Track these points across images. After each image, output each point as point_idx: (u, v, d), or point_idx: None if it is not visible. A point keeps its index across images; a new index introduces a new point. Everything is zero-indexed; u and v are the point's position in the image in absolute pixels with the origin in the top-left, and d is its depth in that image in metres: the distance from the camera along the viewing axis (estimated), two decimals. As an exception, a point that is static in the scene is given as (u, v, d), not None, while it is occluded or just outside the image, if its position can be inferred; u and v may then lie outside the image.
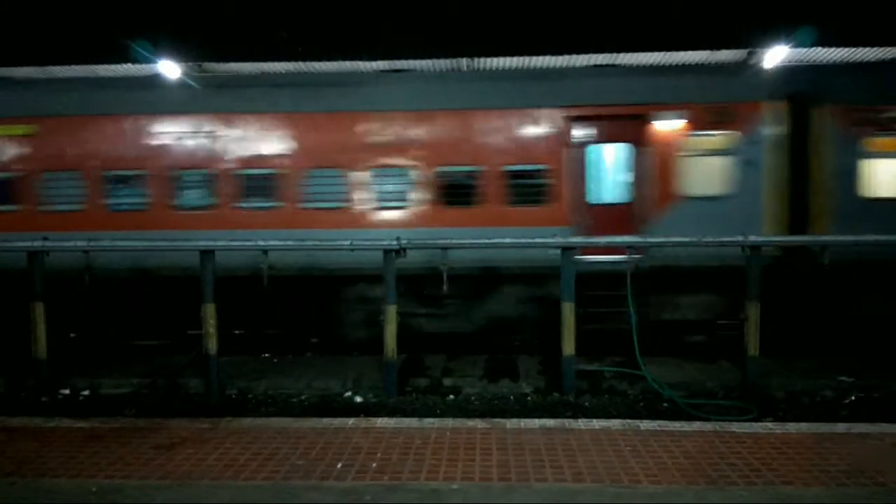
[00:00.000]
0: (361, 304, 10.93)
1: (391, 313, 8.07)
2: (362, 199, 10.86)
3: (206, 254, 8.20)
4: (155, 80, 11.11)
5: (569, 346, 8.00)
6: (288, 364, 10.03)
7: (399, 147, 10.81)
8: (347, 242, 8.39)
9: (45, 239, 8.49)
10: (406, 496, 5.06)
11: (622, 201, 10.72)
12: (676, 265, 10.04)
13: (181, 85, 11.06)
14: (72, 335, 10.89)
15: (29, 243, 8.46)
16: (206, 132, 11.01)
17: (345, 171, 10.83)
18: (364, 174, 10.83)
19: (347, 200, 10.86)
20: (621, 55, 11.02)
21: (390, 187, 10.84)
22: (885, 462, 5.58)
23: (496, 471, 5.48)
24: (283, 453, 5.89)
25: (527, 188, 10.67)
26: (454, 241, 8.43)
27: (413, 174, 10.79)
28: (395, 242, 8.03)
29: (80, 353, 10.30)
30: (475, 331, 10.87)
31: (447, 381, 8.91)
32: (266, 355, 10.52)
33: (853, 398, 7.97)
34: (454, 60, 11.26)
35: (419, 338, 10.55)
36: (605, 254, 10.09)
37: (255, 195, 10.92)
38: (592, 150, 10.79)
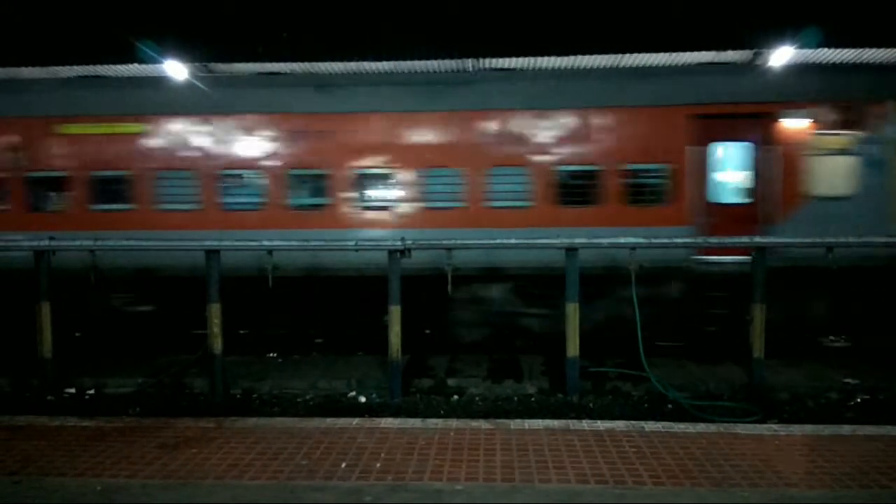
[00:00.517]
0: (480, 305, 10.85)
1: (395, 314, 8.07)
2: (485, 198, 10.71)
3: (212, 254, 8.21)
4: (273, 81, 11.22)
5: (572, 348, 7.99)
6: (292, 363, 10.07)
7: (520, 146, 10.70)
8: (352, 243, 8.39)
9: (52, 239, 8.52)
10: (410, 496, 5.06)
11: (745, 201, 10.57)
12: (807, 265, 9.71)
13: (300, 84, 11.11)
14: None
15: (35, 242, 8.49)
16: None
17: (464, 169, 10.75)
18: (485, 173, 10.74)
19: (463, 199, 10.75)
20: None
21: (512, 187, 10.69)
22: (890, 464, 5.56)
23: (500, 471, 5.48)
24: (288, 453, 5.90)
25: (647, 187, 10.56)
26: (459, 242, 8.42)
27: (534, 174, 10.65)
28: (399, 243, 8.03)
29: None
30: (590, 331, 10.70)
31: (451, 382, 8.92)
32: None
33: (858, 400, 7.95)
34: (460, 61, 11.26)
35: (530, 337, 10.56)
36: (729, 254, 9.98)
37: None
38: (715, 148, 10.63)
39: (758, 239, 7.94)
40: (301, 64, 11.29)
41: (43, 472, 5.57)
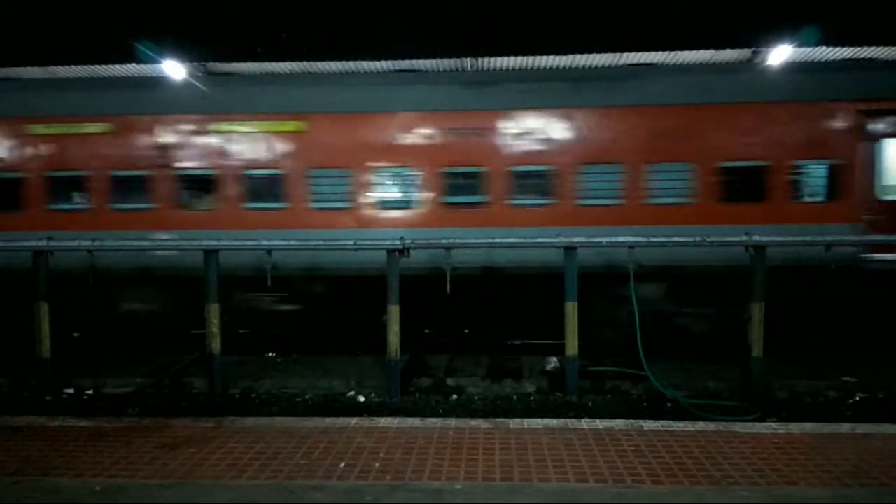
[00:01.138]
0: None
1: (394, 314, 8.06)
2: (646, 195, 10.59)
3: (210, 254, 8.20)
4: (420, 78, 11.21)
5: (571, 346, 7.98)
6: (292, 363, 10.07)
7: (683, 142, 10.50)
8: (351, 242, 8.38)
9: (50, 239, 8.50)
10: (409, 496, 5.06)
11: None
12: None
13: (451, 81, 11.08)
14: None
15: (34, 243, 8.47)
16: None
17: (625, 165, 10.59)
18: (647, 169, 10.56)
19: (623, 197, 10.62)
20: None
21: (674, 183, 10.53)
22: (890, 462, 5.56)
23: (499, 471, 5.48)
24: (287, 453, 5.90)
25: (813, 184, 10.43)
26: (457, 242, 8.40)
27: (695, 169, 10.49)
28: (398, 242, 8.02)
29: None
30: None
31: (450, 381, 8.92)
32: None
33: (857, 398, 7.96)
34: (458, 60, 11.27)
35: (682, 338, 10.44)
36: None
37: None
38: (887, 144, 10.43)
39: (756, 238, 7.91)
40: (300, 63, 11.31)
41: (42, 472, 5.56)
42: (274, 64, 11.60)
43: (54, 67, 11.84)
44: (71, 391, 8.47)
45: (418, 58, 11.20)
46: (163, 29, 10.85)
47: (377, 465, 5.62)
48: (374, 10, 10.85)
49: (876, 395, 8.01)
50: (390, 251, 8.01)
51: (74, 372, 8.95)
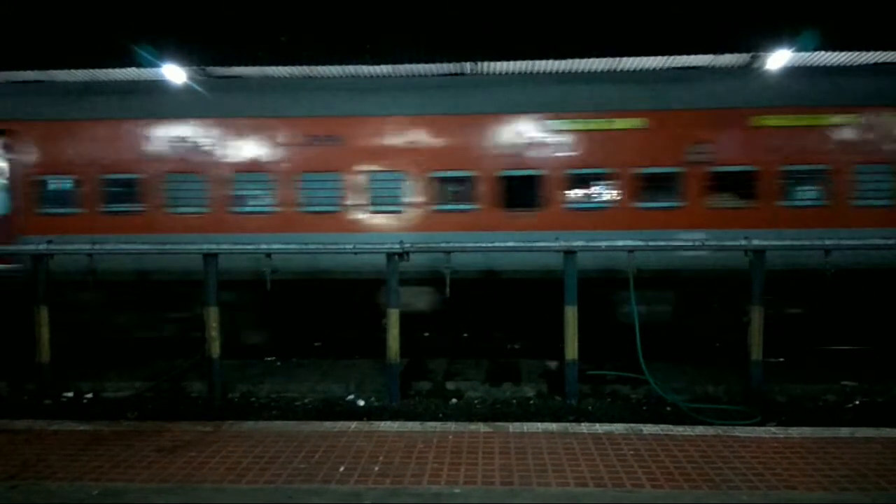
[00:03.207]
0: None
1: (394, 317, 8.06)
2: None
3: (209, 257, 8.20)
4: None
5: (571, 351, 7.99)
6: (293, 367, 10.05)
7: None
8: (350, 246, 8.38)
9: (50, 242, 8.51)
10: (408, 500, 5.05)
11: None
12: None
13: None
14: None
15: (33, 247, 8.48)
16: None
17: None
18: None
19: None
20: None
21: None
22: (889, 467, 5.56)
23: (499, 475, 5.47)
24: (286, 457, 5.89)
25: None
26: (457, 245, 8.42)
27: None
28: (397, 246, 8.02)
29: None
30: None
31: (450, 385, 8.91)
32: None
33: (857, 402, 7.96)
34: (458, 64, 11.28)
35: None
36: None
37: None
38: None
39: (756, 242, 7.92)
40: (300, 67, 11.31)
41: (41, 476, 5.55)
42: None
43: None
44: (70, 395, 8.47)
45: (417, 62, 11.20)
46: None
47: (376, 468, 5.62)
48: (373, 13, 10.84)
49: (875, 399, 8.01)
50: (390, 255, 8.03)
51: (73, 375, 8.95)
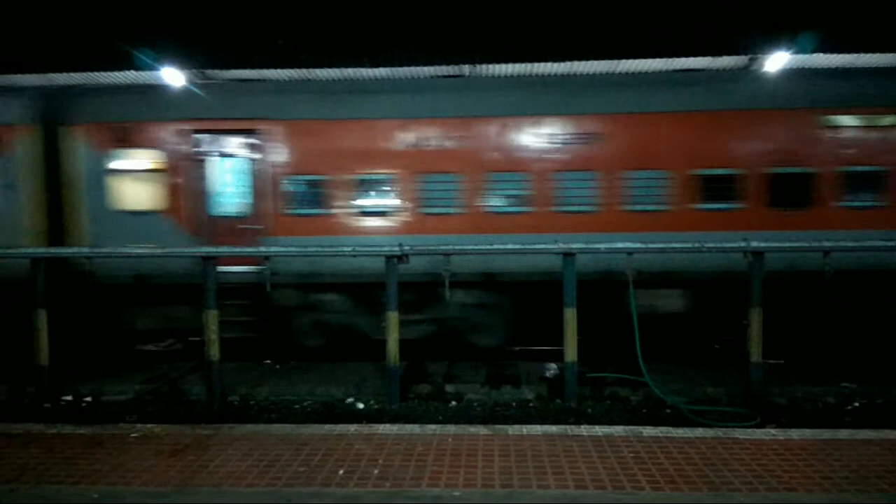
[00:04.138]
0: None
1: (393, 320, 8.06)
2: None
3: (209, 260, 8.19)
4: None
5: (571, 353, 7.98)
6: (289, 370, 10.05)
7: None
8: (349, 248, 8.37)
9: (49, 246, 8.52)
10: (407, 503, 5.05)
11: None
12: None
13: None
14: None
15: (31, 250, 8.47)
16: None
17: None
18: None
19: None
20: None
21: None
22: (889, 469, 5.56)
23: (498, 477, 5.47)
24: (285, 460, 5.88)
25: None
26: (456, 248, 8.41)
27: None
28: (396, 248, 8.02)
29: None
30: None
31: (449, 388, 8.91)
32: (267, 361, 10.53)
33: (856, 404, 7.96)
34: (456, 67, 11.29)
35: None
36: None
37: None
38: None
39: (754, 244, 7.91)
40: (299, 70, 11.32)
41: (40, 479, 5.55)
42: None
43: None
44: (69, 398, 8.46)
45: (416, 65, 11.21)
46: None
47: (376, 471, 5.61)
48: (372, 16, 10.86)
49: (875, 401, 8.00)
50: (389, 257, 8.02)
51: (73, 378, 8.94)
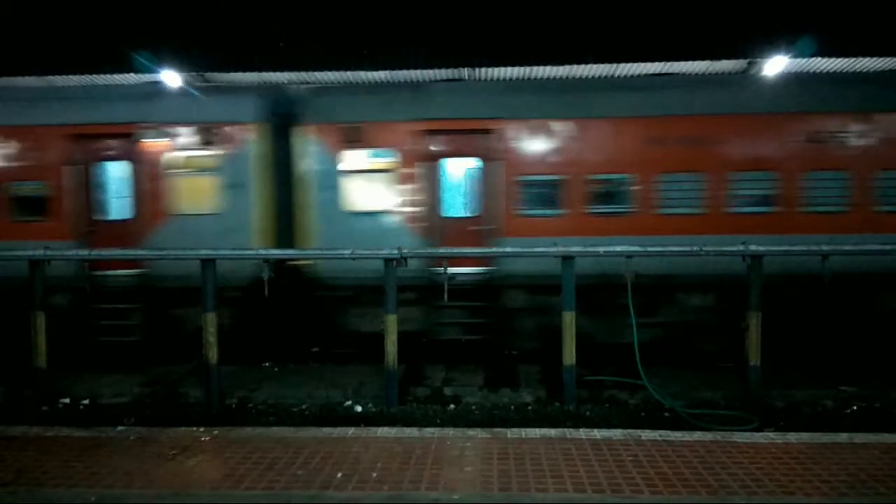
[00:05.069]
0: None
1: (391, 323, 8.06)
2: None
3: (208, 262, 8.18)
4: None
5: (569, 356, 7.98)
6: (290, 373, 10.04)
7: None
8: (348, 251, 8.36)
9: (46, 248, 8.48)
10: (406, 506, 5.05)
11: None
12: None
13: None
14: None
15: (31, 252, 8.45)
16: None
17: None
18: None
19: None
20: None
21: None
22: (887, 472, 5.56)
23: (497, 481, 5.46)
24: (284, 463, 5.87)
25: None
26: (455, 250, 8.42)
27: None
28: (395, 251, 8.02)
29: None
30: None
31: (448, 391, 8.90)
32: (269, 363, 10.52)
33: (855, 408, 7.96)
34: (455, 70, 11.33)
35: None
36: None
37: None
38: None
39: (752, 247, 7.91)
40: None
41: (37, 482, 5.53)
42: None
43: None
44: (67, 401, 8.44)
45: (416, 68, 11.24)
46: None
47: (374, 475, 5.60)
48: (372, 19, 10.89)
49: (873, 404, 8.01)
50: (387, 260, 8.02)
51: (70, 381, 8.93)
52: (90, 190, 10.84)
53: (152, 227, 10.61)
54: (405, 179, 10.55)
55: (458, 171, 10.84)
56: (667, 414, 7.76)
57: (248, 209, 10.57)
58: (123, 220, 10.77)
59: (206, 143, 10.51)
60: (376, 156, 10.58)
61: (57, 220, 10.69)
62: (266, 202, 10.68)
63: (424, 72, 11.42)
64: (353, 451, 6.13)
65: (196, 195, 10.56)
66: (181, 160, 10.58)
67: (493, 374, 9.79)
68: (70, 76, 11.66)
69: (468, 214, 10.73)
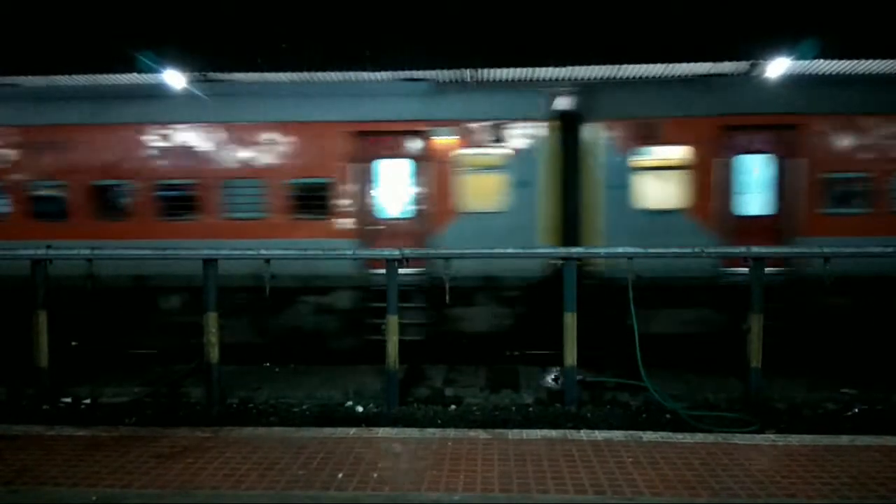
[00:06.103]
0: None
1: (393, 324, 8.06)
2: None
3: (209, 262, 8.19)
4: None
5: (570, 357, 7.97)
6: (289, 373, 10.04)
7: None
8: (350, 251, 8.36)
9: (49, 247, 8.49)
10: (407, 507, 5.05)
11: None
12: None
13: None
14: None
15: (32, 251, 8.46)
16: None
17: None
18: None
19: None
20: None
21: None
22: (888, 475, 5.56)
23: (498, 482, 5.46)
24: (284, 463, 5.87)
25: None
26: (455, 251, 8.42)
27: None
28: (396, 252, 8.02)
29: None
30: None
31: (449, 392, 8.90)
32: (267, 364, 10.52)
33: (856, 410, 7.95)
34: (456, 71, 11.32)
35: None
36: None
37: None
38: None
39: (755, 249, 7.92)
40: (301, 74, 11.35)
41: (39, 481, 5.54)
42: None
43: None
44: (68, 400, 8.44)
45: (417, 68, 11.24)
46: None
47: (375, 475, 5.60)
48: (373, 20, 10.88)
49: (875, 407, 8.00)
50: (389, 260, 8.02)
51: (72, 381, 8.93)
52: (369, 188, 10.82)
53: (441, 224, 10.53)
54: (698, 176, 10.33)
55: (755, 167, 10.52)
56: (668, 416, 7.74)
57: (534, 207, 10.43)
58: (407, 219, 10.73)
59: (495, 141, 10.43)
60: (669, 153, 10.38)
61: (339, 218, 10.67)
62: (552, 200, 10.53)
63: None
64: (354, 452, 6.14)
65: (483, 193, 10.48)
66: (468, 158, 10.51)
67: (494, 375, 9.79)
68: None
69: (762, 213, 10.47)
